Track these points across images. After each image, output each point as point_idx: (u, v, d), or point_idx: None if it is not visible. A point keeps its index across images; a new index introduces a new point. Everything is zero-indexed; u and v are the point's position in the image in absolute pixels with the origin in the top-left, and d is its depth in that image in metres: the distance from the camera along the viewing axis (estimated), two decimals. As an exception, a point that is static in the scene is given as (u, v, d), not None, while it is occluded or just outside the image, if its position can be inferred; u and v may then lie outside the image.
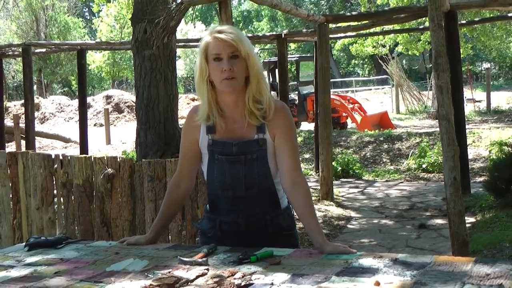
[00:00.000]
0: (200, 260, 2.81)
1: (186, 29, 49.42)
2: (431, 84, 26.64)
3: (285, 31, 15.52)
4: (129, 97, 34.75)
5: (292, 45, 54.48)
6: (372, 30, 16.57)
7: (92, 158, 5.90)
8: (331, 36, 14.27)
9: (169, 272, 2.67)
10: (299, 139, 18.46)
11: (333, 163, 13.38)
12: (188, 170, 3.44)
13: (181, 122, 11.19)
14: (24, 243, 3.37)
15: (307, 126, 23.01)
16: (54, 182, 6.12)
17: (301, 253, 2.98)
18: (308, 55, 30.85)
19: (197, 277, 2.59)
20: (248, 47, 3.16)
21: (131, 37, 10.26)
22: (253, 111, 3.20)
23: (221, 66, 3.13)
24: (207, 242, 3.24)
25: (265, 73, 21.24)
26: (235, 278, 2.54)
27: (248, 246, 3.08)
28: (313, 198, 10.00)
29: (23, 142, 19.29)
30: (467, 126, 14.82)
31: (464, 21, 17.01)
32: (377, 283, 2.38)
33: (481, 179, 12.72)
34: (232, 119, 3.26)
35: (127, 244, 3.31)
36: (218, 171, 3.26)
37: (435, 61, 6.95)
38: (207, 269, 2.69)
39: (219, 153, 3.25)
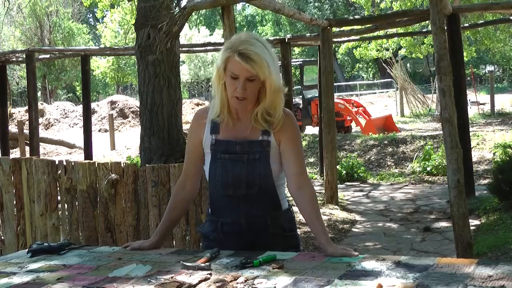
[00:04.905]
0: (203, 265, 2.81)
1: (190, 34, 49.46)
2: (435, 87, 26.59)
3: (288, 36, 15.52)
4: (134, 102, 34.77)
5: (297, 49, 54.52)
6: (375, 33, 16.56)
7: (96, 164, 5.91)
8: (334, 40, 14.27)
9: (172, 277, 2.68)
10: (304, 143, 18.45)
11: (338, 166, 13.38)
12: (193, 172, 3.48)
13: (185, 127, 11.16)
14: (27, 250, 3.38)
15: (311, 130, 23.01)
16: (58, 188, 6.12)
17: (304, 256, 2.98)
18: (312, 59, 30.85)
19: (200, 282, 2.59)
20: (268, 69, 3.11)
21: (135, 43, 10.27)
22: (259, 121, 3.24)
23: (236, 85, 3.14)
24: (209, 245, 3.28)
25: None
26: (238, 283, 2.54)
27: (250, 246, 3.13)
28: (318, 201, 10.03)
29: (27, 148, 19.32)
30: (471, 129, 14.83)
31: (467, 24, 16.97)
32: (380, 286, 2.38)
33: (486, 181, 12.70)
34: (238, 120, 3.30)
35: (131, 249, 3.31)
36: (220, 169, 3.29)
37: (438, 64, 6.94)
38: (210, 274, 2.69)
39: (222, 152, 3.28)
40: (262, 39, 3.24)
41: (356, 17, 21.64)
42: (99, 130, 31.42)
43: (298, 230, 3.55)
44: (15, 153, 21.04)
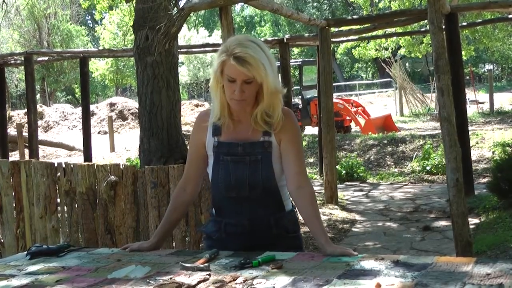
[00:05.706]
0: (201, 265, 2.81)
1: (189, 35, 49.41)
2: (434, 86, 26.59)
3: (287, 36, 15.50)
4: (133, 104, 34.68)
5: (295, 50, 54.53)
6: (374, 33, 16.54)
7: (95, 166, 5.90)
8: (333, 40, 14.26)
9: (171, 278, 2.67)
10: (303, 143, 18.39)
11: (337, 166, 13.38)
12: (194, 174, 3.48)
13: (185, 128, 11.12)
14: (25, 252, 3.37)
15: (311, 130, 22.98)
16: (57, 191, 6.12)
17: (303, 256, 2.98)
18: (311, 59, 30.86)
19: (199, 282, 2.59)
20: (264, 71, 3.09)
21: (133, 44, 10.26)
22: (259, 122, 3.23)
23: (234, 88, 3.13)
24: (212, 245, 3.28)
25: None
26: (236, 283, 2.54)
27: (253, 247, 3.12)
28: (317, 201, 10.05)
29: (26, 151, 19.30)
30: (470, 128, 14.84)
31: (465, 23, 16.95)
32: (378, 285, 2.38)
33: (485, 180, 12.70)
34: (239, 121, 3.30)
35: (130, 250, 3.31)
36: (222, 171, 3.29)
37: (436, 63, 6.95)
38: (209, 275, 2.69)
39: (224, 154, 3.28)
40: (258, 40, 3.21)
41: (355, 17, 21.63)
42: (99, 132, 31.35)
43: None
44: (14, 156, 20.99)
